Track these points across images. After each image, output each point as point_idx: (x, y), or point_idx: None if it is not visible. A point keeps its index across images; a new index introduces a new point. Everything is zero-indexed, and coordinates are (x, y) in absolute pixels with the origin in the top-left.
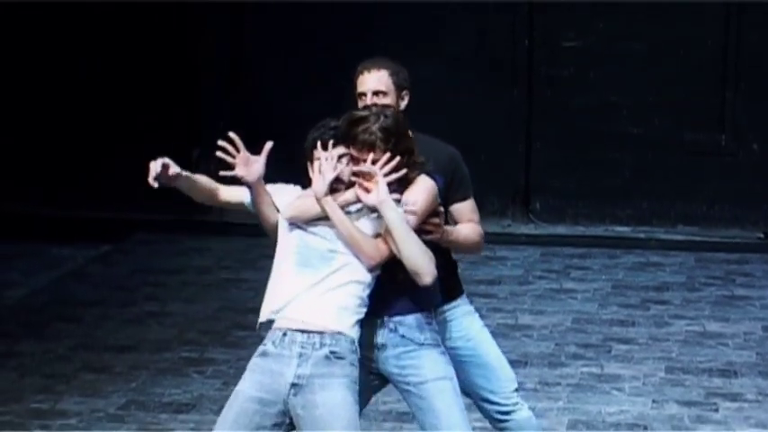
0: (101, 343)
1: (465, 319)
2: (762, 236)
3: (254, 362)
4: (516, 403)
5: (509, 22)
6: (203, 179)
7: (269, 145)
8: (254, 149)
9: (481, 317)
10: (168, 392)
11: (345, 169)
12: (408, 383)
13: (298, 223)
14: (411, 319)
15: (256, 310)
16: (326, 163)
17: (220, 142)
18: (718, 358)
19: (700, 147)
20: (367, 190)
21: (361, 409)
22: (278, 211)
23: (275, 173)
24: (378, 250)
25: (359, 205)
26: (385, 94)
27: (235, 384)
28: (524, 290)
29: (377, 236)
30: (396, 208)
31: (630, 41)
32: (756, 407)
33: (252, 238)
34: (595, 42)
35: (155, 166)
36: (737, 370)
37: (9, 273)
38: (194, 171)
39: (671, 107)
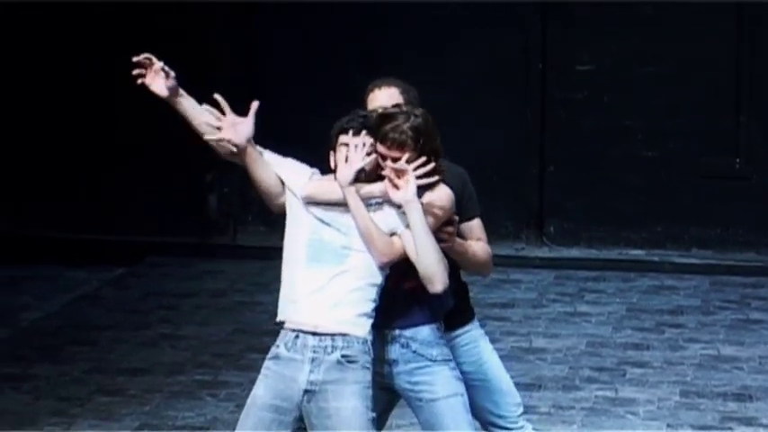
0: (114, 366)
1: (477, 344)
2: None
3: (267, 365)
4: (522, 427)
5: (523, 45)
6: (209, 114)
7: (255, 104)
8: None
9: (494, 340)
10: (182, 416)
11: (371, 161)
12: (421, 400)
13: (312, 211)
14: (424, 332)
15: (271, 333)
16: (355, 151)
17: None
18: (733, 382)
19: (714, 170)
20: (396, 187)
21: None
22: (283, 184)
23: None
24: (391, 247)
25: (378, 200)
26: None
27: None
28: (538, 313)
29: (390, 234)
30: (420, 209)
31: (644, 65)
32: None
33: (265, 261)
34: (609, 65)
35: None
36: (753, 394)
37: (23, 296)
38: (207, 195)
39: (685, 131)
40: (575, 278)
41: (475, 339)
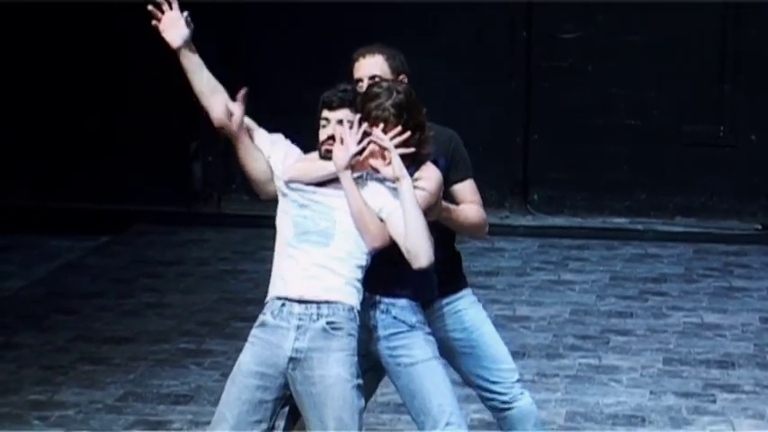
0: (99, 334)
1: (470, 310)
2: (760, 227)
3: (254, 333)
4: (519, 394)
5: (507, 15)
6: (214, 79)
7: (243, 91)
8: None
9: None
10: (166, 384)
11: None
12: (399, 365)
13: (295, 194)
14: (403, 302)
15: (255, 302)
16: (351, 135)
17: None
18: (715, 349)
19: (698, 138)
20: (383, 160)
21: (367, 400)
22: (263, 154)
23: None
24: (383, 231)
25: (361, 174)
26: (381, 78)
27: None
28: (522, 281)
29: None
30: (410, 183)
31: (629, 34)
32: (754, 398)
33: (250, 230)
34: (594, 35)
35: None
36: (735, 361)
37: (7, 265)
38: (192, 164)
39: (669, 99)
40: (559, 246)
41: (467, 306)
